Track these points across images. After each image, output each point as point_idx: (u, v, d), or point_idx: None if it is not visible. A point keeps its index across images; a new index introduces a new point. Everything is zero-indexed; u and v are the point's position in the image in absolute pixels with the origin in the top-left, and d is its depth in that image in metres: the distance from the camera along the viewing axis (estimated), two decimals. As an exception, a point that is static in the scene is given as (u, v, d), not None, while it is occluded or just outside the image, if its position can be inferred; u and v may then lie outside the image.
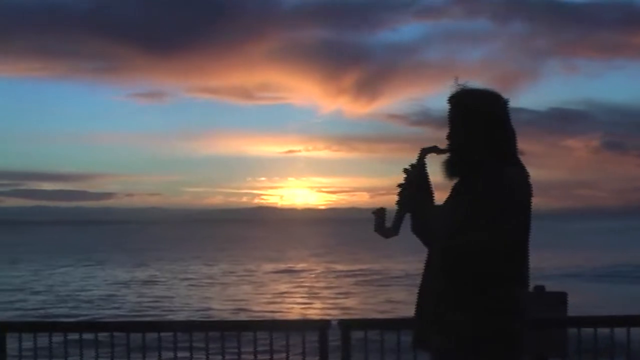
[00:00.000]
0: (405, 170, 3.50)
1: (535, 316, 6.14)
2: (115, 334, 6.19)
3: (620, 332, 5.99)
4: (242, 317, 25.03)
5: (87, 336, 6.27)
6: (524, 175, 3.32)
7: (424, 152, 3.50)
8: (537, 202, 3.33)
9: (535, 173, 3.39)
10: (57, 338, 6.26)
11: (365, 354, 5.98)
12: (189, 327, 6.46)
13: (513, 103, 3.44)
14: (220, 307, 28.77)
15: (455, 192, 3.44)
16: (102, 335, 6.28)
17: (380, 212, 3.52)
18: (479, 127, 3.36)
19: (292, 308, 28.69)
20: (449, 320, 3.26)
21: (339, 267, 49.88)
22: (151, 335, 6.20)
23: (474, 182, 3.30)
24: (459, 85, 3.45)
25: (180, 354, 6.05)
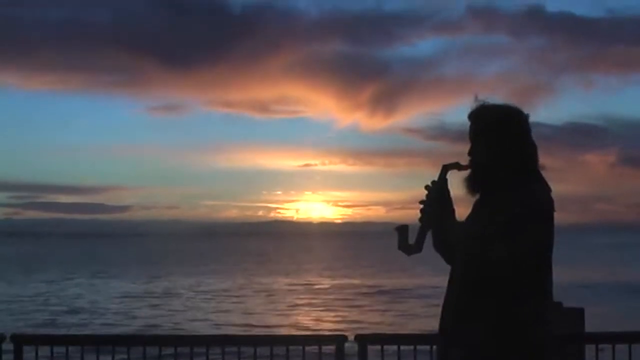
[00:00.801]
0: (427, 187, 3.48)
1: (552, 331, 6.12)
2: (131, 348, 6.19)
3: (638, 348, 5.95)
4: (259, 331, 24.99)
5: (104, 348, 6.28)
6: (547, 190, 3.33)
7: (446, 168, 3.48)
8: (555, 216, 3.33)
9: (553, 187, 3.38)
10: (74, 352, 6.26)
11: (382, 368, 5.96)
12: (205, 341, 6.46)
13: (530, 118, 3.44)
14: (236, 321, 28.74)
15: (477, 208, 3.44)
16: (119, 349, 6.29)
17: (403, 230, 3.50)
18: (500, 143, 3.35)
19: (309, 322, 28.63)
20: (471, 334, 3.24)
21: (355, 281, 49.78)
22: (167, 350, 6.20)
23: (497, 198, 3.29)
24: (478, 101, 3.44)
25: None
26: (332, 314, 31.65)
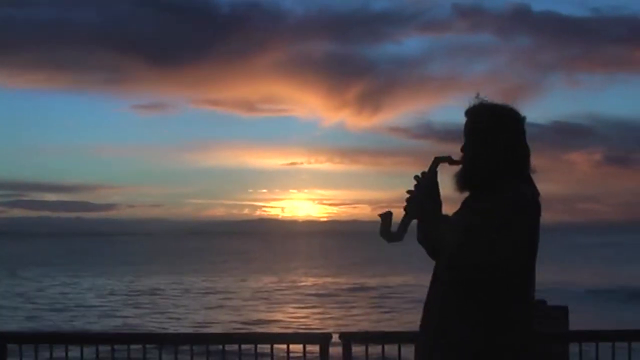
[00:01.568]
0: (416, 177, 3.46)
1: (536, 330, 6.14)
2: (115, 347, 6.18)
3: (621, 346, 5.97)
4: (243, 329, 24.97)
5: (87, 349, 6.26)
6: (536, 194, 3.32)
7: (437, 160, 3.46)
8: (541, 218, 3.33)
9: (538, 186, 3.38)
10: (59, 350, 6.24)
11: (366, 367, 5.96)
12: (190, 339, 6.45)
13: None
14: (221, 319, 28.72)
15: (465, 206, 3.42)
16: (103, 347, 6.27)
17: (386, 216, 3.48)
18: (494, 142, 3.35)
19: (293, 321, 28.62)
20: (453, 335, 3.25)
21: (339, 279, 49.82)
22: (152, 348, 6.18)
23: (485, 197, 3.29)
24: (478, 99, 3.44)
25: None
26: (317, 312, 31.67)
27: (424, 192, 3.43)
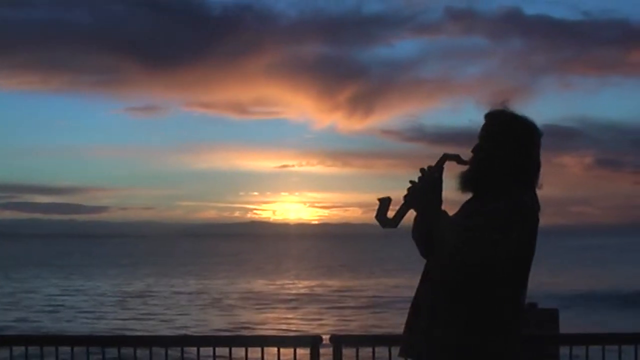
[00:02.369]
0: (422, 170, 3.44)
1: (526, 333, 6.15)
2: (106, 349, 6.16)
3: (611, 349, 5.98)
4: (234, 332, 24.95)
5: (78, 349, 6.25)
6: (536, 206, 3.34)
7: (445, 157, 3.46)
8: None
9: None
10: (48, 353, 6.22)
11: (357, 370, 5.97)
12: (180, 342, 6.44)
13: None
14: (211, 322, 28.69)
15: (465, 209, 3.43)
16: (94, 349, 6.26)
17: (384, 201, 3.47)
18: (507, 148, 3.37)
19: (283, 323, 28.62)
20: (437, 336, 3.25)
21: (331, 282, 49.82)
22: (142, 351, 6.18)
23: (485, 202, 3.30)
24: (502, 105, 3.46)
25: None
26: (307, 314, 31.66)
27: (428, 185, 3.43)
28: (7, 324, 27.39)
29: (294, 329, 26.51)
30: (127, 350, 6.19)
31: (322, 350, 5.91)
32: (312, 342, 5.95)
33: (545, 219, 3.37)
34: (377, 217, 3.49)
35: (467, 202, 3.45)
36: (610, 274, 53.76)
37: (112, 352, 6.20)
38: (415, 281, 3.49)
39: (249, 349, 5.99)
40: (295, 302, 37.30)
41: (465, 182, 3.43)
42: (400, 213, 3.46)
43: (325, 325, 27.02)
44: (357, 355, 5.95)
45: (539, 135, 3.45)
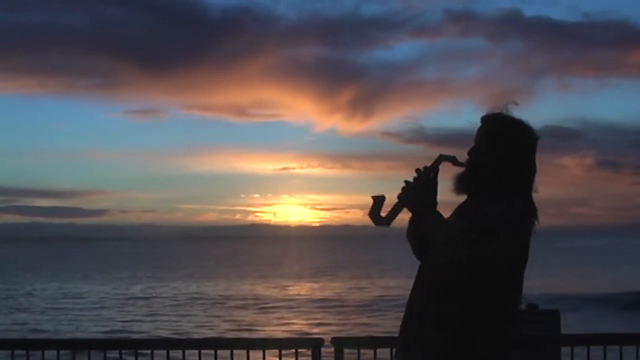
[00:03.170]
0: (417, 170, 3.43)
1: (528, 334, 6.15)
2: (107, 352, 6.16)
3: (612, 350, 5.98)
4: (235, 334, 24.94)
5: (64, 352, 6.25)
6: (532, 209, 3.34)
7: (441, 158, 3.45)
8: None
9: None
10: (35, 356, 6.21)
11: (358, 372, 5.97)
12: (181, 345, 6.44)
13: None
14: (213, 324, 28.70)
15: (458, 211, 3.43)
16: (80, 353, 6.26)
17: (378, 199, 3.46)
18: (503, 152, 3.36)
19: (284, 325, 28.61)
20: (430, 338, 3.25)
21: (332, 284, 49.81)
22: (143, 354, 6.18)
23: (479, 204, 3.30)
24: (501, 108, 3.45)
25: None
26: (309, 317, 31.65)
27: (422, 184, 3.42)
28: (8, 328, 27.40)
29: (295, 331, 26.51)
30: (128, 353, 6.19)
31: (323, 352, 5.92)
32: (314, 344, 5.95)
33: (545, 220, 3.37)
34: (370, 214, 3.47)
35: (462, 204, 3.44)
36: (610, 274, 53.73)
37: (113, 355, 6.20)
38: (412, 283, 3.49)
39: (251, 351, 5.99)
40: (296, 304, 37.29)
41: (460, 184, 3.42)
42: (394, 212, 3.45)
43: (326, 327, 27.01)
44: (358, 358, 5.95)
45: (535, 138, 3.44)
